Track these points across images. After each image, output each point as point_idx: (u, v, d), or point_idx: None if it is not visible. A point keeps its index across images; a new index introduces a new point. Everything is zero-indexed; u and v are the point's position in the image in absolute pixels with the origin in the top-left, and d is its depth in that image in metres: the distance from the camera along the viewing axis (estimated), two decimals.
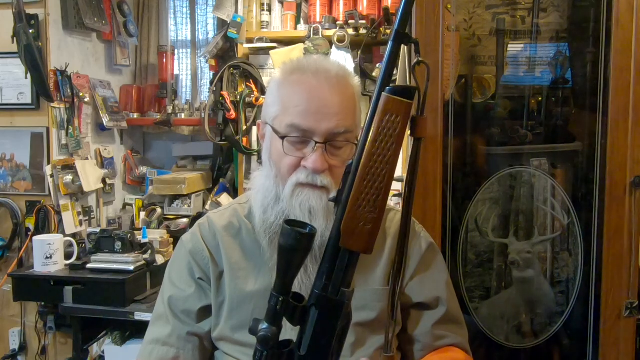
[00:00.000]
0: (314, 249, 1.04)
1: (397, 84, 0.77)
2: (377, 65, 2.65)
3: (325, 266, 0.75)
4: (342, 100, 1.06)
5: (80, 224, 2.60)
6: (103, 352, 2.33)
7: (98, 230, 2.41)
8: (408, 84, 0.79)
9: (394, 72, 0.84)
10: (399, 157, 0.74)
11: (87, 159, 2.70)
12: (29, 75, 2.39)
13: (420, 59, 0.76)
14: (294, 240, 0.72)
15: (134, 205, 2.94)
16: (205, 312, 1.14)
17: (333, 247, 0.75)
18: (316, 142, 1.04)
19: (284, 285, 0.74)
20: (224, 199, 2.80)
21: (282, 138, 1.06)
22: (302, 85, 1.07)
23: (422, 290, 1.16)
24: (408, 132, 0.76)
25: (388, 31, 2.52)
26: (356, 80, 1.13)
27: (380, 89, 0.73)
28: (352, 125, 1.07)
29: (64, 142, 2.55)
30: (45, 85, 2.41)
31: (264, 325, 0.74)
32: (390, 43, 0.74)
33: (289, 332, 0.78)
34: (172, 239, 2.55)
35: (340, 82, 1.08)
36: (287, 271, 0.74)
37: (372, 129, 0.73)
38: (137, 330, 2.32)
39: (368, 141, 0.73)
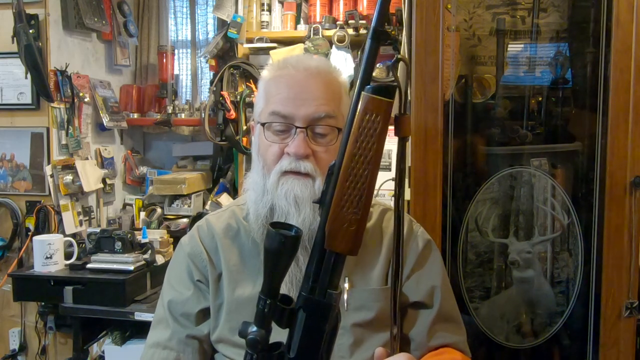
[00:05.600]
0: (304, 241, 1.04)
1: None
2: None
3: (312, 268, 0.74)
4: (321, 87, 1.08)
5: (80, 224, 2.60)
6: (103, 352, 2.33)
7: (98, 230, 2.41)
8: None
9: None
10: (381, 157, 0.73)
11: (87, 159, 2.70)
12: (29, 75, 2.39)
13: (399, 56, 0.75)
14: (279, 243, 0.71)
15: (134, 205, 2.94)
16: (204, 315, 1.14)
17: (318, 250, 0.74)
18: (297, 127, 1.06)
19: (271, 288, 0.74)
20: (224, 199, 2.80)
21: (263, 125, 1.08)
22: (283, 77, 1.10)
23: (418, 289, 1.15)
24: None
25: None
26: (341, 75, 1.15)
27: (360, 88, 0.73)
28: (334, 110, 1.08)
29: (64, 142, 2.55)
30: (45, 85, 2.41)
31: (252, 329, 0.74)
32: (368, 41, 0.73)
33: (281, 333, 0.78)
34: (172, 239, 2.55)
35: (321, 73, 1.10)
36: (273, 274, 0.73)
37: (352, 129, 0.72)
38: (137, 330, 2.32)
39: (349, 142, 0.72)
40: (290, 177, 1.06)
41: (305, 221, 1.03)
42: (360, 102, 0.72)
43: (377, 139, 0.72)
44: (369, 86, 0.72)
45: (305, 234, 1.03)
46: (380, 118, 0.72)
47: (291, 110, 1.06)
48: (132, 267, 2.24)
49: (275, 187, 1.06)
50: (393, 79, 0.73)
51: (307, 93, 1.07)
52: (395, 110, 0.73)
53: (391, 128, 0.74)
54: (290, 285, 1.07)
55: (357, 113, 0.72)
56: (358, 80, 0.73)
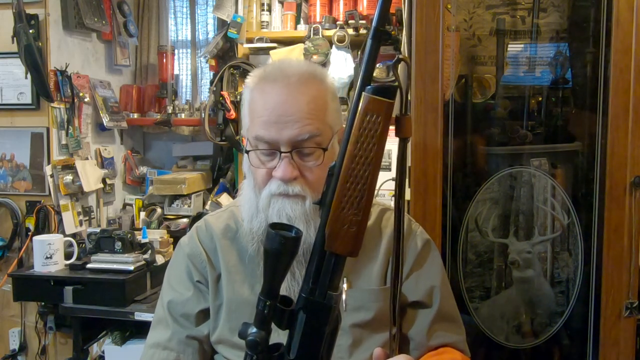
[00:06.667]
0: (299, 255, 1.03)
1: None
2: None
3: (312, 270, 0.74)
4: (303, 105, 1.04)
5: (80, 224, 2.60)
6: (103, 352, 2.33)
7: (98, 230, 2.41)
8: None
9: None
10: (382, 158, 0.73)
11: (87, 159, 2.70)
12: (29, 75, 2.39)
13: (400, 56, 0.74)
14: (279, 244, 0.71)
15: (134, 205, 2.94)
16: (204, 316, 1.14)
17: (319, 251, 0.74)
18: (281, 152, 1.04)
19: (271, 289, 0.73)
20: (224, 199, 2.80)
21: (247, 152, 1.07)
22: (264, 94, 1.06)
23: (417, 288, 1.15)
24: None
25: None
26: (326, 78, 1.11)
27: (361, 88, 0.72)
28: (318, 128, 1.04)
29: (64, 142, 2.55)
30: (45, 85, 2.41)
31: (252, 330, 0.74)
32: (369, 41, 0.72)
33: (281, 334, 0.77)
34: (172, 239, 2.55)
35: (303, 85, 1.05)
36: (273, 275, 0.73)
37: (353, 130, 0.72)
38: (137, 330, 2.32)
39: (349, 143, 0.72)
40: (279, 198, 1.05)
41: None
42: (360, 102, 0.72)
43: (377, 140, 0.71)
44: (369, 86, 0.72)
45: (300, 249, 1.03)
46: (381, 119, 0.71)
47: (274, 136, 1.03)
48: (132, 267, 2.24)
49: (267, 208, 1.06)
50: (393, 79, 0.73)
51: (289, 114, 1.03)
52: (396, 111, 0.73)
53: (391, 128, 0.74)
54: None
55: (357, 113, 0.72)
56: (359, 81, 0.73)
